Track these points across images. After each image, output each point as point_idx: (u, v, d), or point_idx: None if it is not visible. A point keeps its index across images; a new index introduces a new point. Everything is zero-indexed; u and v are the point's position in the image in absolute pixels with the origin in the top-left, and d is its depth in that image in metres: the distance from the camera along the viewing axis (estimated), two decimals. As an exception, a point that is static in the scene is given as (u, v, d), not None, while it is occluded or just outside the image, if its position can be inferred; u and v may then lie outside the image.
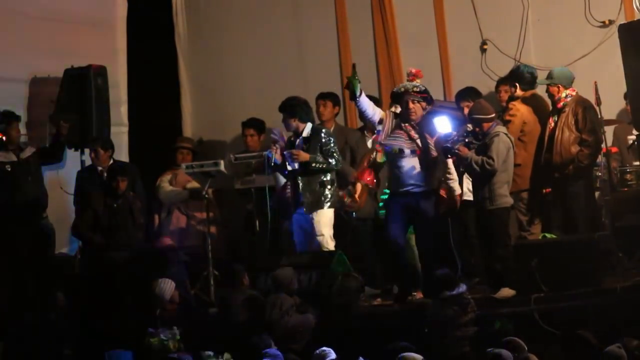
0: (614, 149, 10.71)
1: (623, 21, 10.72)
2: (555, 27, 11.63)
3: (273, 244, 11.22)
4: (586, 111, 10.12)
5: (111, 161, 11.57)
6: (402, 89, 9.98)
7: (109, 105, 12.02)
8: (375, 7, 12.45)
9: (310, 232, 10.55)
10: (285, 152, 10.45)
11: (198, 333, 9.87)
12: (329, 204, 10.40)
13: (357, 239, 10.90)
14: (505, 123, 10.15)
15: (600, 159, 10.25)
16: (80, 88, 11.81)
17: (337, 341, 8.91)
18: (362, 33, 12.54)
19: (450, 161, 9.88)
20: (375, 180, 10.45)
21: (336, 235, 10.52)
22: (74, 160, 11.87)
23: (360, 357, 8.25)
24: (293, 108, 10.54)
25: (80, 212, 11.35)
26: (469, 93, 10.91)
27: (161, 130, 12.95)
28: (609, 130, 10.46)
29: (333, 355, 8.21)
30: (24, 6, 12.07)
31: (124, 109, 12.88)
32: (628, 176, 10.15)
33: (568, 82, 10.25)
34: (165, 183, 12.04)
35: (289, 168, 10.45)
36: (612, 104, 10.70)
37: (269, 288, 9.87)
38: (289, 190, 10.62)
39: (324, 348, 8.27)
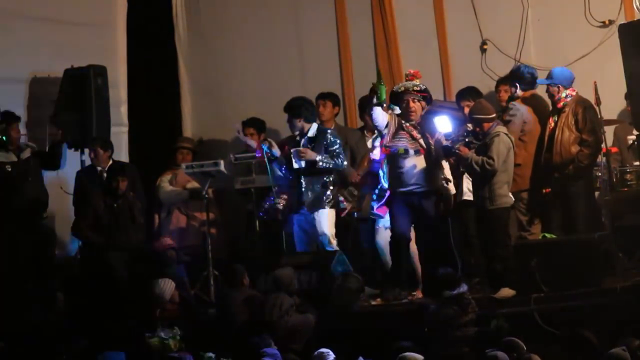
0: (614, 149, 10.70)
1: (623, 21, 10.72)
2: (555, 27, 11.63)
3: (273, 244, 11.23)
4: (586, 111, 10.12)
5: (111, 161, 11.57)
6: (402, 88, 9.99)
7: (109, 105, 12.01)
8: (375, 7, 12.44)
9: (310, 232, 10.56)
10: (292, 150, 10.47)
11: (198, 333, 9.89)
12: (330, 204, 10.41)
13: (357, 239, 10.90)
14: (505, 123, 10.15)
15: (600, 159, 10.24)
16: (80, 88, 11.80)
17: (337, 341, 8.92)
18: (362, 33, 12.54)
19: (444, 162, 9.91)
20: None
21: (337, 235, 10.54)
22: (74, 160, 11.86)
23: (360, 357, 8.25)
24: (299, 108, 10.58)
25: (80, 212, 11.35)
26: (469, 93, 10.91)
27: (161, 130, 12.95)
28: (609, 130, 10.45)
29: (332, 356, 8.21)
30: (24, 6, 12.07)
31: (124, 109, 12.87)
32: (628, 176, 10.14)
33: (568, 82, 10.25)
34: (165, 183, 12.04)
35: (295, 166, 10.48)
36: (612, 104, 10.69)
37: (269, 288, 9.88)
38: (272, 198, 10.70)
39: (323, 350, 8.27)
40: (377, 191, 10.38)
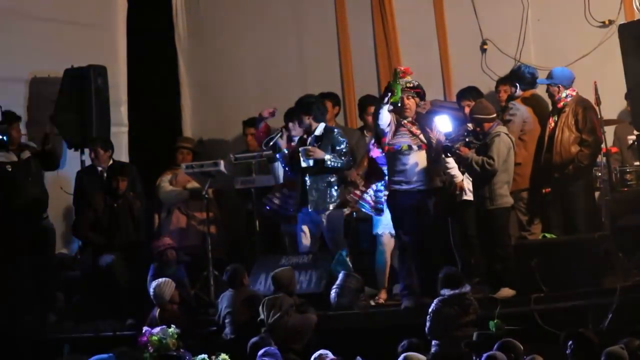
0: (614, 149, 10.70)
1: (623, 21, 10.72)
2: (555, 27, 11.63)
3: (273, 244, 11.23)
4: (586, 111, 10.12)
5: (111, 161, 11.58)
6: None
7: (109, 105, 12.02)
8: (375, 7, 12.44)
9: (314, 231, 10.56)
10: (300, 149, 10.47)
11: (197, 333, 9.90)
12: (335, 204, 10.41)
13: (357, 239, 10.90)
14: (505, 123, 10.15)
15: (600, 159, 10.24)
16: (80, 88, 11.81)
17: (337, 341, 8.92)
18: (362, 33, 12.54)
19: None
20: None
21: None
22: (74, 160, 11.87)
23: (358, 357, 8.25)
24: (309, 106, 10.59)
25: (80, 212, 11.35)
26: (470, 92, 10.90)
27: (161, 130, 12.95)
28: (609, 130, 10.45)
29: (330, 356, 8.20)
30: (24, 6, 12.07)
31: (124, 109, 12.88)
32: (628, 176, 10.14)
33: (568, 82, 10.25)
34: (165, 183, 12.04)
35: (303, 165, 10.48)
36: (612, 104, 10.68)
37: (269, 288, 9.88)
38: (277, 197, 10.71)
39: (322, 351, 8.26)
40: (379, 187, 10.35)
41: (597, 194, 10.45)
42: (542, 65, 11.03)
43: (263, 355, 8.39)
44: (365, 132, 11.37)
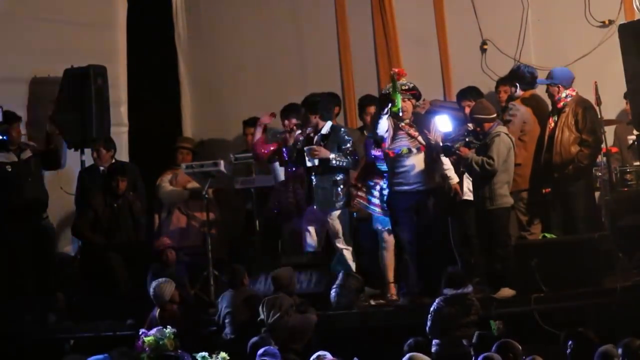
0: (614, 149, 10.69)
1: (623, 21, 10.71)
2: (555, 27, 11.63)
3: (273, 244, 11.23)
4: (586, 111, 10.12)
5: (113, 161, 11.58)
6: (391, 89, 10.00)
7: (109, 105, 12.02)
8: (375, 7, 12.44)
9: (319, 230, 10.55)
10: (305, 148, 10.46)
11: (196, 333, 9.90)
12: (341, 203, 10.40)
13: (357, 239, 10.90)
14: (505, 123, 10.15)
15: (600, 159, 10.24)
16: (80, 88, 11.80)
17: (337, 341, 8.91)
18: (362, 33, 12.54)
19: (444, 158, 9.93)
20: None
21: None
22: (74, 160, 11.87)
23: (355, 358, 8.25)
24: (315, 105, 10.57)
25: (80, 212, 11.35)
26: (470, 92, 10.90)
27: (161, 130, 12.95)
28: (609, 130, 10.44)
29: (329, 357, 8.20)
30: (24, 6, 12.07)
31: (124, 109, 12.87)
32: (628, 176, 10.13)
33: (568, 82, 10.25)
34: (165, 183, 12.04)
35: (309, 164, 10.47)
36: (612, 104, 10.69)
37: (269, 288, 9.88)
38: (290, 194, 10.69)
39: (320, 352, 8.25)
40: (378, 187, 10.36)
41: (597, 194, 10.45)
42: (542, 65, 11.03)
43: (263, 355, 8.38)
44: (365, 132, 11.36)
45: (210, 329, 10.03)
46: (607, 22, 11.32)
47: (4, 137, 10.96)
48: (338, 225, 10.42)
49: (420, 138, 9.84)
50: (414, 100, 9.98)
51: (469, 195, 10.17)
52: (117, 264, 10.81)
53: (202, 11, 13.36)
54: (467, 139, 9.89)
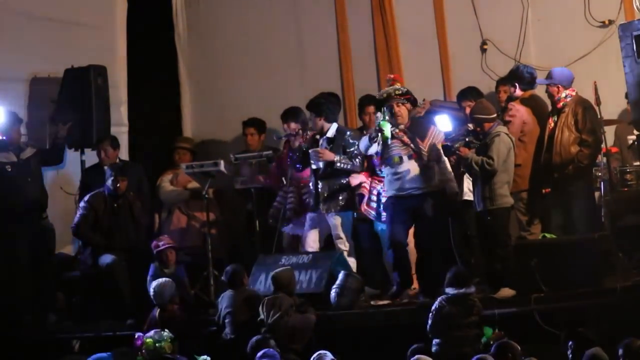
0: (614, 149, 10.70)
1: (623, 21, 10.70)
2: (555, 27, 11.63)
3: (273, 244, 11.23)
4: (586, 111, 10.12)
5: (117, 160, 11.59)
6: (385, 95, 10.02)
7: (109, 105, 12.02)
8: (375, 7, 12.44)
9: (322, 233, 10.56)
10: (310, 151, 10.45)
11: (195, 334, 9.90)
12: (345, 205, 10.41)
13: (357, 239, 10.90)
14: (505, 123, 10.14)
15: (600, 159, 10.24)
16: (80, 88, 11.81)
17: (337, 341, 8.91)
18: (362, 33, 12.54)
19: (445, 159, 9.93)
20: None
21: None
22: (74, 160, 11.87)
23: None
24: (319, 107, 10.56)
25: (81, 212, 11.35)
26: (470, 92, 10.91)
27: (161, 130, 12.96)
28: (609, 130, 10.45)
29: (329, 357, 8.20)
30: (24, 6, 12.06)
31: (124, 109, 12.87)
32: (628, 176, 10.13)
33: (568, 82, 10.25)
34: (166, 183, 12.04)
35: (313, 167, 10.47)
36: (612, 104, 10.68)
37: (269, 288, 9.88)
38: (290, 199, 10.71)
39: (320, 352, 8.26)
40: (375, 191, 10.38)
41: (597, 194, 10.45)
42: (542, 65, 11.03)
43: (262, 357, 8.38)
44: (364, 132, 11.35)
45: (210, 329, 10.03)
46: (607, 22, 11.33)
47: (4, 137, 10.97)
48: (339, 226, 10.43)
49: (412, 145, 9.87)
50: (409, 105, 9.99)
51: (469, 196, 10.19)
52: (117, 264, 10.78)
53: (202, 11, 13.36)
54: (467, 139, 9.89)
